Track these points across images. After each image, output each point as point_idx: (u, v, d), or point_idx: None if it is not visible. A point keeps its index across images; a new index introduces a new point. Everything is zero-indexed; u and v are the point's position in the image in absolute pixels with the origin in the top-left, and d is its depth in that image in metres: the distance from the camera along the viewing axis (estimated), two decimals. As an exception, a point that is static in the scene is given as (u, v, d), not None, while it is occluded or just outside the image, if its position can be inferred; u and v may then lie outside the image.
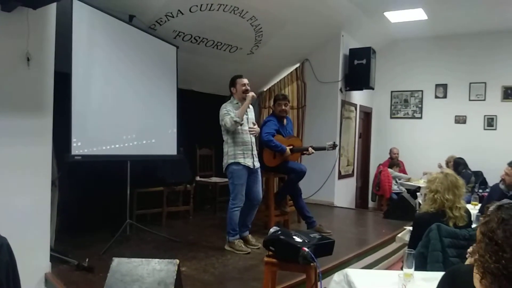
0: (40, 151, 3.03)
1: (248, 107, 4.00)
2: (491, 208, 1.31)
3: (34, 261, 2.97)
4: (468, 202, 3.74)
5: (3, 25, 2.73)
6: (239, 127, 3.91)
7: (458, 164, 6.69)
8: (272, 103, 4.88)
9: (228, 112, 3.89)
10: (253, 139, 4.06)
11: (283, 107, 4.65)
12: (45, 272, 3.09)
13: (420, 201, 5.84)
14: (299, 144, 4.89)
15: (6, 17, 2.72)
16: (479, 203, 4.21)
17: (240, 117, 3.84)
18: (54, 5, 3.02)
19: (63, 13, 3.23)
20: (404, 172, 7.77)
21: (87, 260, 3.27)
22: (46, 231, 3.12)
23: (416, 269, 2.00)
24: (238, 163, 3.91)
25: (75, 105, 3.41)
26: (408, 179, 7.46)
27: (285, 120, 4.76)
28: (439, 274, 1.54)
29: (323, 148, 4.72)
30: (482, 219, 1.34)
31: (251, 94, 3.95)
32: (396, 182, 7.25)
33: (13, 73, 2.81)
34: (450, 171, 2.90)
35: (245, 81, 4.01)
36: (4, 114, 2.78)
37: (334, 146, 4.73)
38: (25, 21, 2.80)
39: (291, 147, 4.60)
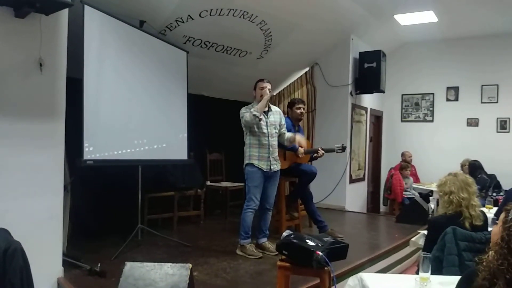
0: (53, 156, 3.04)
1: (270, 110, 4.06)
2: None
3: (47, 266, 2.97)
4: (483, 206, 3.68)
5: (16, 31, 2.76)
6: (257, 129, 3.94)
7: (474, 168, 6.49)
8: (287, 108, 4.87)
9: (247, 110, 3.95)
10: (273, 142, 4.03)
11: (302, 110, 4.71)
12: (57, 277, 3.09)
13: (432, 206, 5.78)
14: (309, 146, 4.87)
15: (20, 23, 2.75)
16: (494, 206, 4.16)
17: (259, 111, 3.87)
18: (66, 11, 3.04)
19: (74, 19, 3.26)
20: (416, 176, 7.70)
21: (99, 265, 3.27)
22: (58, 236, 3.13)
23: (431, 273, 1.97)
24: (252, 165, 3.92)
25: (87, 110, 3.43)
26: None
27: (299, 124, 4.82)
28: (456, 278, 1.51)
29: (332, 150, 4.70)
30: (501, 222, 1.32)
31: (266, 89, 3.98)
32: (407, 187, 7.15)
33: (26, 78, 2.84)
34: (458, 171, 2.88)
35: (264, 84, 4.03)
36: (17, 119, 2.81)
37: (343, 149, 4.70)
38: (37, 27, 2.83)
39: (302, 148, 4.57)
